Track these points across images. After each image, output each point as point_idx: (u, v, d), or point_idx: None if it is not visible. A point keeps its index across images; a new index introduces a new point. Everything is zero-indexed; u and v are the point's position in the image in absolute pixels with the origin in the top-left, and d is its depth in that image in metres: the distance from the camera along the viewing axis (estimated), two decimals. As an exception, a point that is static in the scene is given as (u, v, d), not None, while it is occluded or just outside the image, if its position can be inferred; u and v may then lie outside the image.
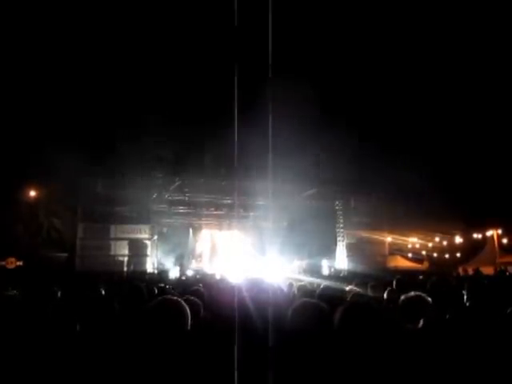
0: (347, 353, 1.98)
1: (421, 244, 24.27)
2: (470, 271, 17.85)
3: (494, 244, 21.72)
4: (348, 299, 3.84)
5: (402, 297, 3.16)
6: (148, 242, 20.00)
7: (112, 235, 19.62)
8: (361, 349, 1.96)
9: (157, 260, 20.16)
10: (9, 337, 2.52)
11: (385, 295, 4.43)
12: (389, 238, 23.38)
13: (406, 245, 24.36)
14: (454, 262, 23.32)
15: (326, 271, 20.58)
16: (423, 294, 3.12)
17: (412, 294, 3.14)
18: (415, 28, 17.87)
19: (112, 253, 19.48)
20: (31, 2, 15.97)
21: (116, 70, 17.68)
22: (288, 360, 2.10)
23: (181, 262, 20.54)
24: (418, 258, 24.39)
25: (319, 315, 2.32)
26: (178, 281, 16.07)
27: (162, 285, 7.39)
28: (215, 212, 22.03)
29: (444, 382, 2.17)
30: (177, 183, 19.97)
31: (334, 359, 1.99)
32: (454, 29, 17.63)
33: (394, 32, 17.67)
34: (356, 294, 4.23)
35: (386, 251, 23.62)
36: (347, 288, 5.12)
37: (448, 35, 17.96)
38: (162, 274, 17.85)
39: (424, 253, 24.40)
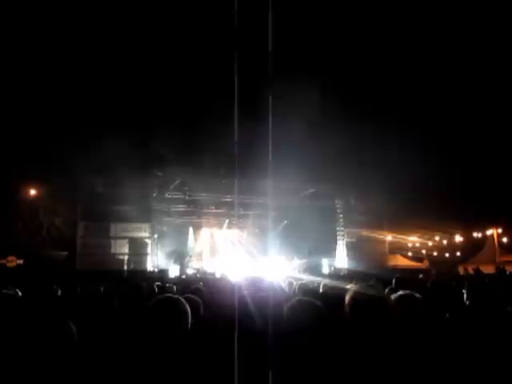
0: (359, 342, 1.99)
1: (421, 243, 24.31)
2: (471, 270, 17.85)
3: (493, 243, 21.75)
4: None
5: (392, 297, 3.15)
6: (148, 241, 20.00)
7: (112, 234, 19.61)
8: (372, 337, 1.97)
9: (157, 259, 20.16)
10: (8, 335, 2.52)
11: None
12: (389, 237, 23.38)
13: (406, 244, 24.41)
14: (454, 261, 23.36)
15: (326, 270, 20.59)
16: (412, 292, 3.12)
17: (401, 292, 3.13)
18: (413, 23, 17.85)
19: (112, 251, 19.48)
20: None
21: (116, 69, 17.67)
22: (286, 358, 2.11)
23: (181, 260, 20.54)
24: (418, 257, 24.42)
25: (314, 313, 2.33)
26: (178, 279, 16.10)
27: (162, 283, 7.40)
28: (215, 211, 22.03)
29: (444, 380, 2.17)
30: (177, 182, 19.97)
31: (343, 350, 2.00)
32: (452, 26, 17.61)
33: (394, 31, 17.65)
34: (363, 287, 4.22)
35: (386, 250, 23.62)
36: (347, 287, 5.12)
37: (448, 33, 17.94)
38: (162, 273, 17.86)
39: (424, 252, 24.43)
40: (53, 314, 2.32)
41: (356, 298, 2.10)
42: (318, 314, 2.32)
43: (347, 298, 2.14)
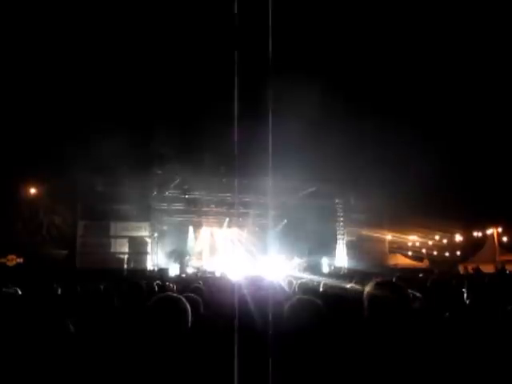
0: (376, 339, 1.98)
1: (421, 242, 24.29)
2: (471, 269, 17.85)
3: (493, 242, 21.75)
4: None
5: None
6: (148, 240, 19.99)
7: (112, 233, 19.61)
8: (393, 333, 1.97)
9: (157, 258, 20.15)
10: (9, 333, 2.52)
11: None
12: (389, 236, 23.38)
13: (406, 243, 24.39)
14: (454, 260, 23.36)
15: (326, 269, 20.59)
16: (413, 291, 3.13)
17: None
18: (414, 21, 17.82)
19: (112, 250, 19.49)
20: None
21: (116, 68, 17.66)
22: (286, 357, 2.10)
23: (181, 259, 20.53)
24: (418, 256, 24.42)
25: (314, 312, 2.33)
26: (178, 278, 16.09)
27: (163, 282, 7.40)
28: (215, 209, 22.03)
29: (443, 379, 2.16)
30: (177, 180, 19.95)
31: (346, 348, 2.00)
32: (453, 22, 17.58)
33: (395, 28, 17.62)
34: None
35: (386, 249, 23.63)
36: (348, 286, 5.11)
37: (450, 30, 17.91)
38: (161, 272, 17.85)
39: (424, 251, 24.43)
40: (50, 313, 2.32)
41: (375, 295, 2.09)
42: (319, 313, 2.32)
43: (366, 294, 2.13)
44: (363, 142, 18.28)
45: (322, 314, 2.32)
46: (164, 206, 21.07)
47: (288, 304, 2.44)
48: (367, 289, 2.15)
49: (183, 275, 18.57)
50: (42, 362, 1.93)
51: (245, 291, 2.69)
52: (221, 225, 23.23)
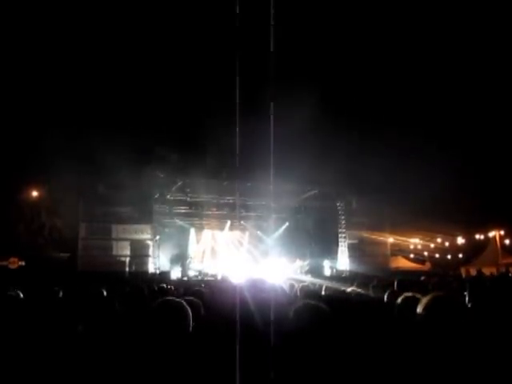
0: (432, 344, 2.00)
1: (423, 245, 24.22)
2: (473, 272, 17.79)
3: (496, 245, 21.68)
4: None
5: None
6: (150, 243, 19.98)
7: (114, 235, 19.59)
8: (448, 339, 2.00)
9: (158, 260, 20.16)
10: (11, 336, 2.52)
11: (385, 296, 4.41)
12: (390, 239, 23.32)
13: (408, 245, 24.32)
14: (456, 263, 23.28)
15: (327, 272, 20.56)
16: (414, 294, 3.12)
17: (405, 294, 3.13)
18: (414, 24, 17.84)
19: (114, 253, 19.47)
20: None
21: (118, 70, 17.71)
22: (289, 361, 2.10)
23: (182, 262, 20.54)
24: (419, 259, 24.35)
25: (320, 317, 2.31)
26: (180, 281, 16.11)
27: (164, 285, 7.39)
28: (217, 212, 22.03)
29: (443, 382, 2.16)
30: (178, 183, 19.97)
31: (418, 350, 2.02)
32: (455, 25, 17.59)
33: (395, 31, 17.65)
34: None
35: (388, 252, 23.56)
36: (349, 289, 5.10)
37: (451, 34, 17.92)
38: (163, 275, 17.86)
39: (426, 254, 24.36)
40: (57, 317, 2.32)
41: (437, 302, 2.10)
42: (326, 320, 2.30)
43: (425, 300, 2.14)
44: (365, 145, 18.27)
45: (329, 320, 2.30)
46: (166, 208, 21.09)
47: (293, 308, 2.42)
48: (422, 305, 2.14)
49: (185, 278, 18.58)
50: (47, 365, 1.93)
51: (246, 294, 2.68)
52: (222, 227, 23.23)
